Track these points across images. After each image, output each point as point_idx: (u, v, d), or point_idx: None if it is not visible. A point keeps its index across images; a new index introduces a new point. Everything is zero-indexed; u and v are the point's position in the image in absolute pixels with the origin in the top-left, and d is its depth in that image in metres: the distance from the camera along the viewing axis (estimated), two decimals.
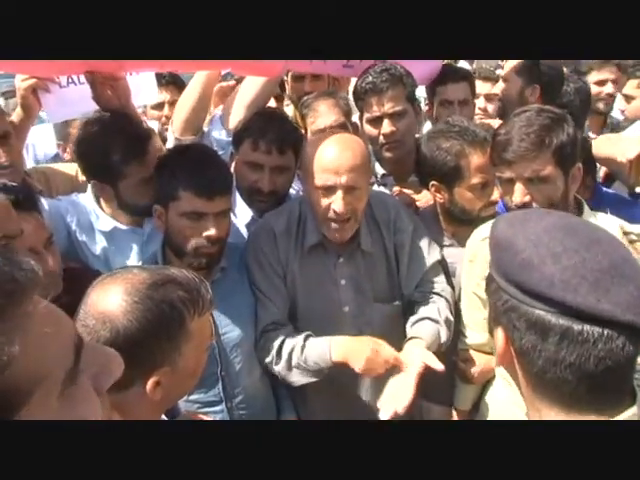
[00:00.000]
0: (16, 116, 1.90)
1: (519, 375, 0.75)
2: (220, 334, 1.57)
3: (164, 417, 1.05)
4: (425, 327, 1.57)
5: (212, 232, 1.50)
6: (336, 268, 1.63)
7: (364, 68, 1.89)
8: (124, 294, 0.92)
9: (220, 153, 1.80)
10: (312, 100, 2.06)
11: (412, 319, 1.62)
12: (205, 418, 1.24)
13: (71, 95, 1.86)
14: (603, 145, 1.90)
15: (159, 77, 2.33)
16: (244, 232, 1.86)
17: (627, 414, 0.68)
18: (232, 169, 1.78)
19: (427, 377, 1.43)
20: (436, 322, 1.58)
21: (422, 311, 1.62)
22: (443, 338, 1.57)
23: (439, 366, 1.40)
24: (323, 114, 2.00)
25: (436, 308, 1.62)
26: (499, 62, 2.94)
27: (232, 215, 1.70)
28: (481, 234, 1.55)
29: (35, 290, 0.48)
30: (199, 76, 1.84)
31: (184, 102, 1.87)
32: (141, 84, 2.02)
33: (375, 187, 1.98)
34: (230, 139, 1.85)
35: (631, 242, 1.42)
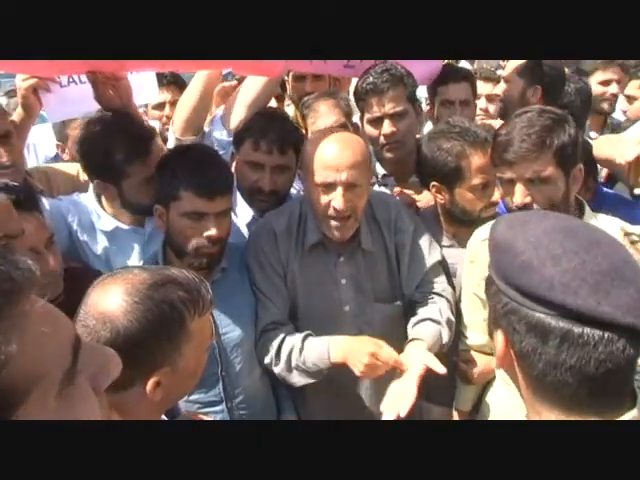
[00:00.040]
0: (17, 115, 1.90)
1: (519, 378, 0.74)
2: (220, 334, 1.57)
3: (164, 417, 1.05)
4: (426, 328, 1.57)
5: (213, 232, 1.50)
6: (337, 267, 1.63)
7: (365, 68, 1.89)
8: (124, 294, 0.92)
9: (221, 153, 1.80)
10: (312, 101, 2.06)
11: (413, 320, 1.62)
12: (205, 418, 1.25)
13: (72, 94, 1.86)
14: (603, 146, 1.90)
15: (160, 77, 2.33)
16: (245, 232, 1.86)
17: (627, 417, 0.68)
18: (233, 169, 1.78)
19: (427, 378, 1.43)
20: (437, 323, 1.58)
21: (423, 312, 1.62)
22: (445, 339, 1.57)
23: (441, 369, 1.40)
24: (323, 115, 2.00)
25: (437, 309, 1.61)
26: (500, 62, 2.94)
27: (233, 215, 1.71)
28: (482, 235, 1.55)
29: (32, 289, 0.48)
30: (200, 76, 1.84)
31: (185, 102, 1.87)
32: (142, 83, 2.03)
33: (376, 187, 1.98)
34: (231, 139, 1.85)
35: (633, 243, 1.41)
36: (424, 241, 1.68)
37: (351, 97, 2.08)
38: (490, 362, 1.62)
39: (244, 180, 1.79)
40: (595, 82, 2.90)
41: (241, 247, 1.71)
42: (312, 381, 1.55)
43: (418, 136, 1.97)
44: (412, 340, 1.55)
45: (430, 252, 1.68)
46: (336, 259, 1.63)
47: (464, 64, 3.24)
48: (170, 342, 0.94)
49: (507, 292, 0.72)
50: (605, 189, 2.18)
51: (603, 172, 2.34)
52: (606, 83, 2.94)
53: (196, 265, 1.52)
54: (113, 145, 1.63)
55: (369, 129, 1.89)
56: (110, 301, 0.91)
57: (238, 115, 1.85)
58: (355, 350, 1.46)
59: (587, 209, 1.53)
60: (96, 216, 1.76)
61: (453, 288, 1.72)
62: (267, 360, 1.58)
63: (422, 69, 2.13)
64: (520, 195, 1.43)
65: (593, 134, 2.83)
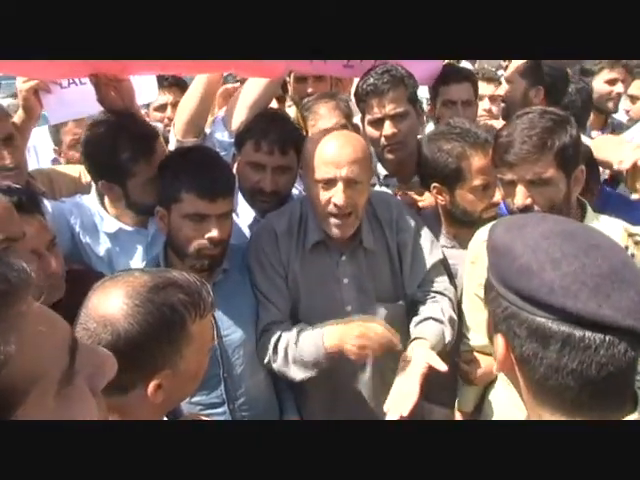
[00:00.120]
0: (18, 117, 1.90)
1: (520, 382, 0.74)
2: (222, 336, 1.57)
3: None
4: (429, 327, 1.57)
5: (214, 234, 1.50)
6: (339, 266, 1.63)
7: (365, 68, 1.89)
8: (125, 297, 0.92)
9: (222, 154, 1.80)
10: (313, 102, 2.06)
11: (416, 319, 1.62)
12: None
13: (72, 96, 1.86)
14: (602, 148, 1.89)
15: (162, 79, 2.34)
16: (247, 232, 1.86)
17: (629, 419, 0.68)
18: (234, 170, 1.78)
19: (429, 379, 1.43)
20: (440, 322, 1.58)
21: (426, 311, 1.62)
22: (447, 338, 1.57)
23: (443, 367, 1.40)
24: (324, 117, 2.00)
25: (439, 308, 1.62)
26: (501, 62, 2.93)
27: (234, 216, 1.71)
28: (483, 236, 1.54)
29: (28, 290, 0.49)
30: (201, 78, 1.83)
31: (186, 104, 1.87)
32: (141, 83, 2.02)
33: (377, 188, 1.98)
34: (232, 140, 1.85)
35: (637, 244, 1.41)
36: (426, 240, 1.68)
37: (352, 98, 2.08)
38: (492, 363, 1.62)
39: (245, 181, 1.79)
40: (602, 81, 2.89)
41: (243, 248, 1.71)
42: (310, 374, 1.55)
43: (419, 137, 1.96)
44: (415, 339, 1.55)
45: (432, 251, 1.68)
46: (338, 258, 1.63)
47: (465, 64, 3.24)
48: (171, 345, 0.94)
49: (506, 296, 0.72)
50: (608, 190, 2.17)
51: (606, 172, 2.33)
52: (612, 82, 2.92)
53: (197, 267, 1.52)
54: (118, 145, 1.63)
55: (370, 130, 1.89)
56: (111, 304, 0.92)
57: (239, 116, 1.85)
58: (346, 335, 1.49)
59: (589, 210, 1.53)
60: (99, 218, 1.77)
61: (455, 289, 1.72)
62: (266, 358, 1.59)
63: (422, 69, 2.12)
64: (521, 197, 1.42)
65: (594, 133, 2.83)
